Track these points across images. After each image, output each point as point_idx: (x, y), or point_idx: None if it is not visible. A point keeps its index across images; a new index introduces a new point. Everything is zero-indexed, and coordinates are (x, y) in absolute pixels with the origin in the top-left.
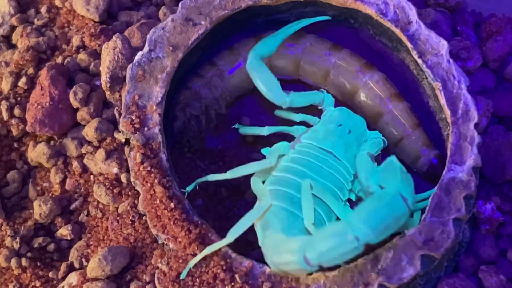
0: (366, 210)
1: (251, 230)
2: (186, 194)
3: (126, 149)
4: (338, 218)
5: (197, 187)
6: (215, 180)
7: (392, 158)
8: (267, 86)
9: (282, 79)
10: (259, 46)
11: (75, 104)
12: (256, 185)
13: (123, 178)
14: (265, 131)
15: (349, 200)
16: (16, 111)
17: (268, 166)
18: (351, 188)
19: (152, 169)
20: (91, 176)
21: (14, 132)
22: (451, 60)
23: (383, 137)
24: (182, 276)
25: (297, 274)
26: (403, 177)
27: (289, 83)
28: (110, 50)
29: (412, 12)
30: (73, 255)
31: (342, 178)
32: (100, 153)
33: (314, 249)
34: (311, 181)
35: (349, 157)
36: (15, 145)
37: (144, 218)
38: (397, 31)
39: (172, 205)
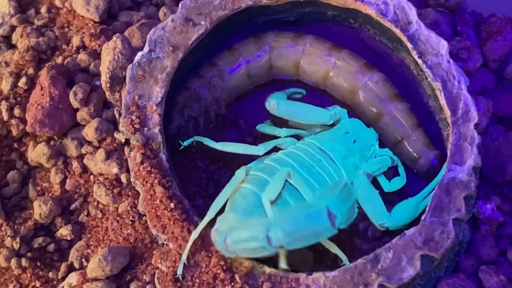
0: (289, 215)
1: None
2: (183, 147)
3: (126, 149)
4: None
5: (196, 187)
6: (209, 144)
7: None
8: (310, 114)
9: (282, 79)
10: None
11: (75, 104)
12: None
13: (123, 178)
14: (282, 132)
15: None
16: (16, 111)
17: (255, 153)
18: None
19: (152, 169)
20: (91, 176)
21: (14, 132)
22: (451, 60)
23: (392, 156)
24: (178, 272)
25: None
26: (342, 195)
27: (289, 84)
28: (110, 50)
29: (412, 12)
30: (73, 255)
31: (331, 181)
32: (100, 153)
33: (235, 232)
34: (292, 171)
35: (347, 164)
36: (15, 145)
37: (144, 218)
38: (397, 31)
39: (172, 205)
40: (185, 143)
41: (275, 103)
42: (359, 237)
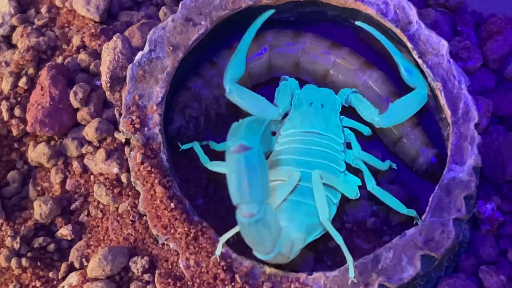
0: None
1: None
2: (181, 149)
3: (127, 149)
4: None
5: (196, 187)
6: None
7: None
8: (256, 107)
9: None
10: (229, 72)
11: (75, 104)
12: None
13: (123, 178)
14: None
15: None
16: (17, 111)
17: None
18: (344, 159)
19: (153, 169)
20: (92, 176)
21: (15, 132)
22: (451, 60)
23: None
24: (217, 253)
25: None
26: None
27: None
28: (110, 50)
29: (412, 12)
30: (73, 255)
31: (333, 151)
32: (101, 153)
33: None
34: (320, 171)
35: (332, 128)
36: (15, 145)
37: (144, 218)
38: (398, 31)
39: (172, 205)
40: (184, 147)
41: (228, 89)
42: (359, 237)
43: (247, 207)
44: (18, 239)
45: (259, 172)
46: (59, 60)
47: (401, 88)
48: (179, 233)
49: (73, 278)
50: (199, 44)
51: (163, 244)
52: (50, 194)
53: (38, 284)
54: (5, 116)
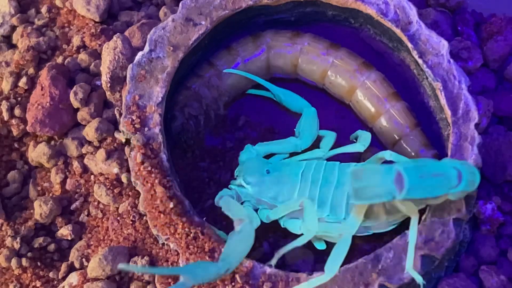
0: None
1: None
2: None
3: (127, 149)
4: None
5: (197, 187)
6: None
7: None
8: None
9: (280, 78)
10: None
11: (75, 104)
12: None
13: (123, 178)
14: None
15: None
16: (17, 111)
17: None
18: None
19: (153, 169)
20: (92, 176)
21: (15, 132)
22: (451, 60)
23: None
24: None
25: None
26: None
27: (288, 82)
28: (110, 50)
29: (412, 12)
30: (74, 255)
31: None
32: (101, 153)
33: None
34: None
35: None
36: (16, 145)
37: (144, 218)
38: (398, 31)
39: (172, 205)
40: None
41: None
42: (359, 237)
43: None
44: (18, 239)
45: None
46: (59, 60)
47: (400, 89)
48: (179, 233)
49: (73, 278)
50: (199, 44)
51: (163, 244)
52: (50, 194)
53: (38, 284)
54: (5, 116)
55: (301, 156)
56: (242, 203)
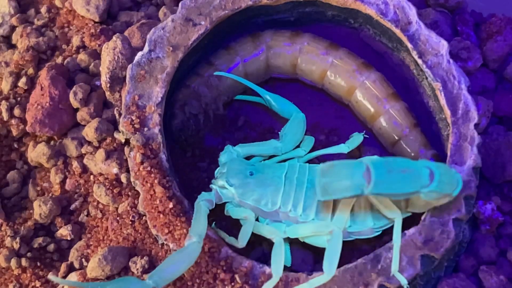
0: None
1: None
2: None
3: (126, 149)
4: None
5: (197, 187)
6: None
7: None
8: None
9: (279, 78)
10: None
11: (75, 104)
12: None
13: (123, 178)
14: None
15: None
16: (16, 111)
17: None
18: None
19: (152, 169)
20: (91, 176)
21: (14, 132)
22: (451, 60)
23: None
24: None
25: None
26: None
27: (287, 82)
28: (110, 50)
29: (412, 12)
30: (73, 255)
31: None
32: (100, 153)
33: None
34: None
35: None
36: (15, 145)
37: (144, 218)
38: (397, 31)
39: (171, 205)
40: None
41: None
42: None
43: None
44: (18, 239)
45: None
46: (59, 60)
47: (399, 90)
48: (178, 233)
49: (73, 278)
50: (199, 44)
51: (162, 244)
52: (50, 194)
53: (38, 284)
54: (5, 116)
55: (282, 156)
56: (224, 204)
